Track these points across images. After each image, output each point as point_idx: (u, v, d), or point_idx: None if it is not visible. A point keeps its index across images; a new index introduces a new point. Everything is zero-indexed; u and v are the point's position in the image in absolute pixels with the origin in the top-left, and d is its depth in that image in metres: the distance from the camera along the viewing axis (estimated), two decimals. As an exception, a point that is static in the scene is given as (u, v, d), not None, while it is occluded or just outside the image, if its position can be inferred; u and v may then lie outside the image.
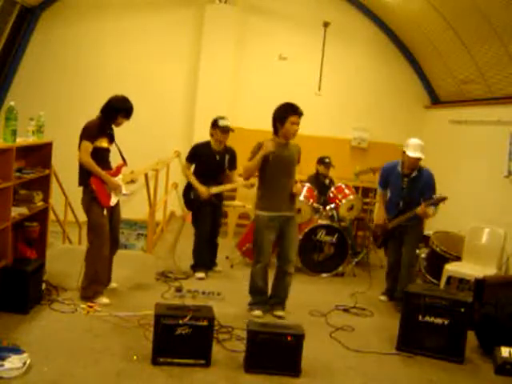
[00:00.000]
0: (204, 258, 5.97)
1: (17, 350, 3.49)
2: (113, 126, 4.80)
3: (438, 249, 6.31)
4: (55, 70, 8.90)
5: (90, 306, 4.56)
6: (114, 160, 4.90)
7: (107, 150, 4.79)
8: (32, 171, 4.91)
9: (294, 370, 3.76)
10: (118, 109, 4.70)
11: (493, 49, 6.58)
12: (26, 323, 4.14)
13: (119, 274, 5.30)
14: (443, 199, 5.07)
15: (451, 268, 5.92)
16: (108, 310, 4.57)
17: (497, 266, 5.86)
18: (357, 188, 7.74)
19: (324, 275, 6.51)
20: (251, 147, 4.82)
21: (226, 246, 6.89)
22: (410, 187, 5.32)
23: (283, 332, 3.78)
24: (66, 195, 7.09)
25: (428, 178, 5.30)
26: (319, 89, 9.18)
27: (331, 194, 6.83)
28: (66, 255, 6.15)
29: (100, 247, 4.71)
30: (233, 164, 5.98)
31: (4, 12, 7.92)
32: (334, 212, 6.78)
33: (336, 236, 6.54)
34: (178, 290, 5.28)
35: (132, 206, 7.48)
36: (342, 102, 9.37)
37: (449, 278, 5.95)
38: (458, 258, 6.19)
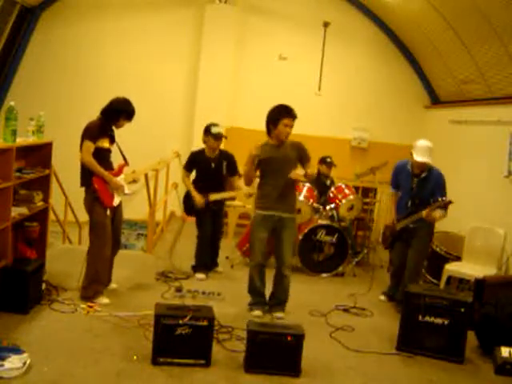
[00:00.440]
0: (205, 259, 5.98)
1: (17, 350, 3.49)
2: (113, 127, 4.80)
3: (437, 249, 6.31)
4: (55, 70, 8.91)
5: (90, 306, 4.56)
6: (115, 160, 4.90)
7: (109, 151, 4.79)
8: (32, 171, 4.91)
9: (294, 370, 3.76)
10: (119, 111, 4.70)
11: (493, 49, 6.58)
12: (26, 323, 4.14)
13: (119, 274, 5.30)
14: (449, 203, 4.97)
15: (451, 268, 5.92)
16: (108, 309, 4.57)
17: (497, 266, 5.86)
18: (357, 188, 7.73)
19: (324, 275, 6.51)
20: (251, 147, 4.83)
21: (226, 246, 6.89)
22: (420, 187, 5.21)
23: (283, 332, 3.78)
24: (66, 195, 7.08)
25: (438, 178, 5.18)
26: (319, 89, 9.19)
27: (331, 194, 6.83)
28: (66, 255, 6.15)
29: (102, 247, 4.71)
30: (232, 169, 5.93)
31: (4, 12, 7.92)
32: (334, 212, 6.78)
33: (336, 236, 6.54)
34: (178, 290, 5.28)
35: (132, 206, 7.47)
36: (342, 102, 9.38)
37: (449, 278, 5.95)
38: (458, 258, 6.19)
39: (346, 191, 6.79)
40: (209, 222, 5.89)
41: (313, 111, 8.66)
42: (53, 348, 3.78)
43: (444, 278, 5.89)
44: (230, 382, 3.62)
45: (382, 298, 5.69)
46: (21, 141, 4.57)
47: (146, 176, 6.42)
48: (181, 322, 3.70)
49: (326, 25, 9.06)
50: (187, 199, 5.94)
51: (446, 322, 4.26)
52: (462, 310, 4.24)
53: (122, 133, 4.92)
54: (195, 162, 5.91)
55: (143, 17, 9.05)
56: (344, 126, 9.35)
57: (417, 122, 9.28)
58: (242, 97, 9.16)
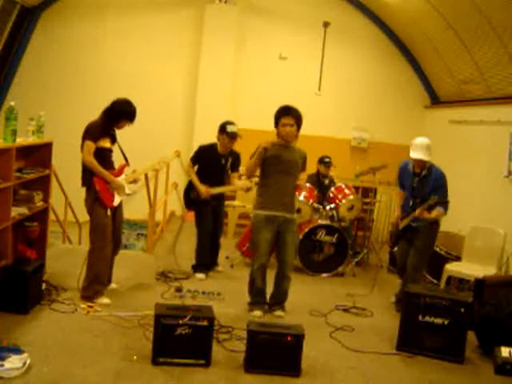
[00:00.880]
0: (206, 258, 5.97)
1: (17, 350, 3.49)
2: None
3: (437, 249, 6.31)
4: (55, 70, 8.91)
5: (90, 306, 4.56)
6: (116, 160, 4.90)
7: (110, 151, 4.79)
8: (32, 171, 4.91)
9: (294, 369, 3.76)
10: (120, 112, 4.69)
11: (493, 49, 6.58)
12: (26, 323, 4.14)
13: (119, 274, 5.30)
14: (440, 203, 4.98)
15: (451, 268, 5.92)
16: (108, 309, 4.57)
17: (497, 266, 5.86)
18: (357, 188, 7.74)
19: (324, 275, 6.51)
20: (251, 147, 4.86)
21: (226, 246, 6.89)
22: (420, 186, 5.20)
23: (283, 332, 3.78)
24: (65, 195, 7.08)
25: (438, 177, 5.15)
26: (319, 89, 9.20)
27: (331, 194, 6.83)
28: (66, 255, 6.15)
29: (102, 248, 4.71)
30: (235, 166, 5.97)
31: (4, 12, 7.92)
32: (334, 212, 6.78)
33: (336, 236, 6.54)
34: (178, 290, 5.27)
35: (132, 206, 7.47)
36: (342, 102, 9.38)
37: (449, 278, 5.95)
38: (458, 258, 6.19)
39: (346, 191, 6.80)
40: (209, 219, 5.88)
41: (313, 111, 8.62)
42: (53, 348, 3.78)
43: (444, 278, 5.89)
44: (229, 382, 3.62)
45: (393, 299, 5.65)
46: (21, 141, 4.57)
47: (146, 176, 6.42)
48: (181, 322, 3.70)
49: (325, 25, 9.06)
50: (188, 191, 5.92)
51: (445, 322, 4.26)
52: (462, 310, 4.24)
53: (122, 132, 4.92)
54: (204, 156, 5.86)
55: (143, 17, 9.05)
56: (344, 126, 9.35)
57: (417, 121, 9.28)
58: (242, 97, 9.16)
